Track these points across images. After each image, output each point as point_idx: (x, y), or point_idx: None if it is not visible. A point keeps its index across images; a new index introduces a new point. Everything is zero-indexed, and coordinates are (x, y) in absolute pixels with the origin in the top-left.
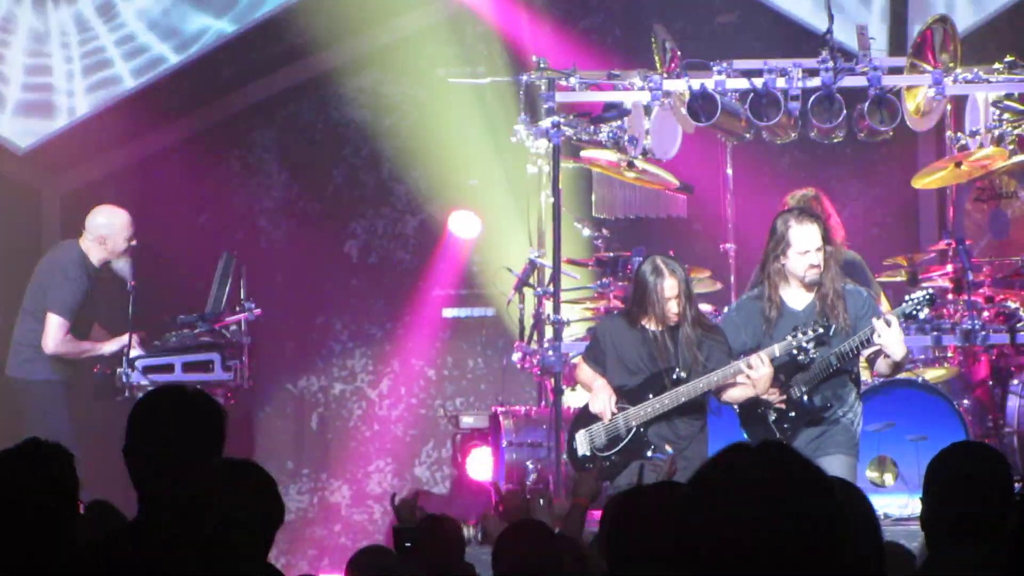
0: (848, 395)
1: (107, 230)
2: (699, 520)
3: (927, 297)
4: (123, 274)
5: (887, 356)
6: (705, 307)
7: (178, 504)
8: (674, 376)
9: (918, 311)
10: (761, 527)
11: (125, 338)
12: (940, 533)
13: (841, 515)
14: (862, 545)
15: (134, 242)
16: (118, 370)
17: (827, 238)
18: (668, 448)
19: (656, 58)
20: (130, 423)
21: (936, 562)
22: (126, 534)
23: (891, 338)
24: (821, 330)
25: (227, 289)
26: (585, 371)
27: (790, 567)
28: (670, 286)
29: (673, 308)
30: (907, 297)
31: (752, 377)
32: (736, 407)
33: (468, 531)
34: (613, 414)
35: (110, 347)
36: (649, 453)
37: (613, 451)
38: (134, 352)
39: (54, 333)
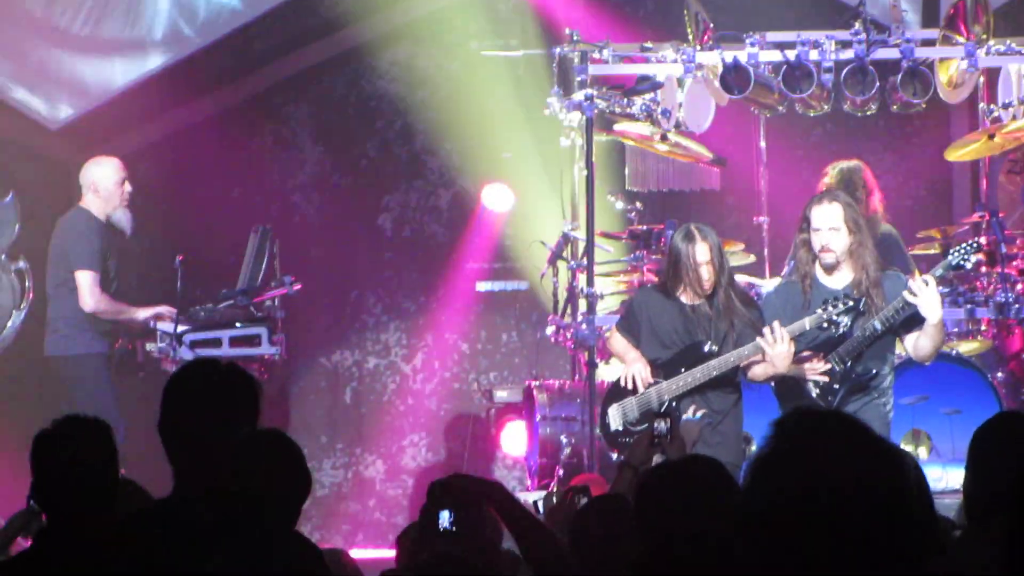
0: (887, 366)
1: (97, 176)
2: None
3: (973, 245)
4: (122, 225)
5: (924, 330)
6: (741, 278)
7: (208, 477)
8: (705, 349)
9: (965, 260)
10: (833, 487)
11: (160, 308)
12: (982, 504)
13: (908, 485)
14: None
15: (128, 187)
16: (161, 346)
17: (855, 224)
18: (696, 414)
19: (689, 30)
20: (164, 399)
21: (977, 534)
22: (161, 509)
23: (926, 296)
24: (851, 302)
25: (263, 264)
26: (619, 341)
27: (857, 529)
28: (702, 251)
29: (705, 274)
30: (952, 249)
31: (770, 353)
32: (772, 383)
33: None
34: (647, 386)
35: (144, 313)
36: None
37: (646, 425)
38: (181, 327)
39: (88, 288)
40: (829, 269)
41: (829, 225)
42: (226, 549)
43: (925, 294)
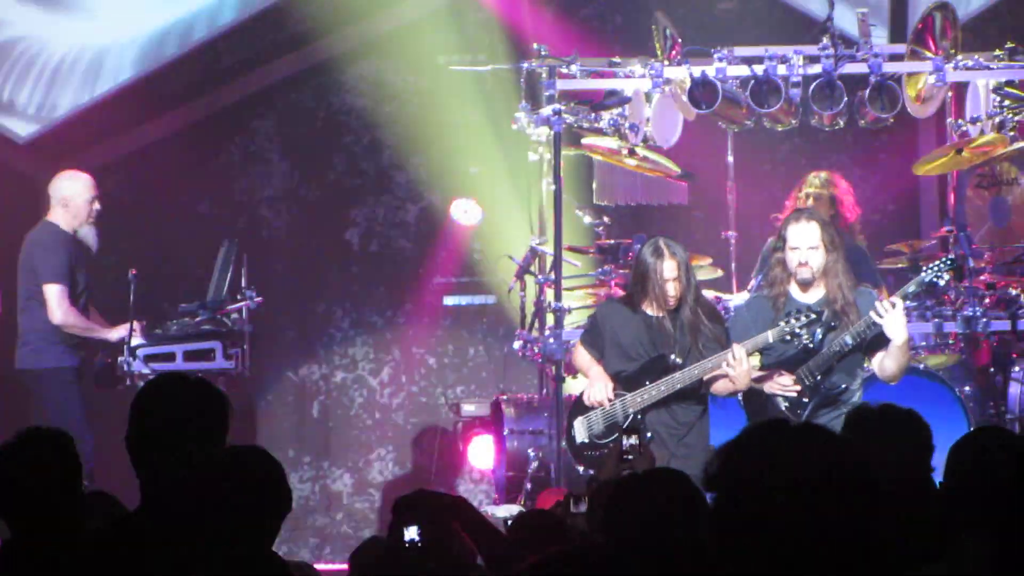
0: (856, 380)
1: (68, 191)
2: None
3: (947, 262)
4: (88, 242)
5: (889, 351)
6: (709, 292)
7: (182, 492)
8: (670, 361)
9: (939, 277)
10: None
11: (126, 326)
12: (958, 523)
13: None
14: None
15: (97, 205)
16: (119, 359)
17: (830, 242)
18: (647, 434)
19: (657, 45)
20: (132, 411)
21: (956, 554)
22: (129, 523)
23: (892, 319)
24: (813, 315)
25: (228, 277)
26: (582, 356)
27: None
28: (669, 267)
29: (671, 290)
30: (926, 266)
31: (731, 374)
32: (740, 397)
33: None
34: (610, 401)
35: (115, 333)
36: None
37: (611, 438)
38: (135, 340)
39: (57, 302)
40: (805, 285)
41: (808, 244)
42: (202, 565)
43: (891, 315)
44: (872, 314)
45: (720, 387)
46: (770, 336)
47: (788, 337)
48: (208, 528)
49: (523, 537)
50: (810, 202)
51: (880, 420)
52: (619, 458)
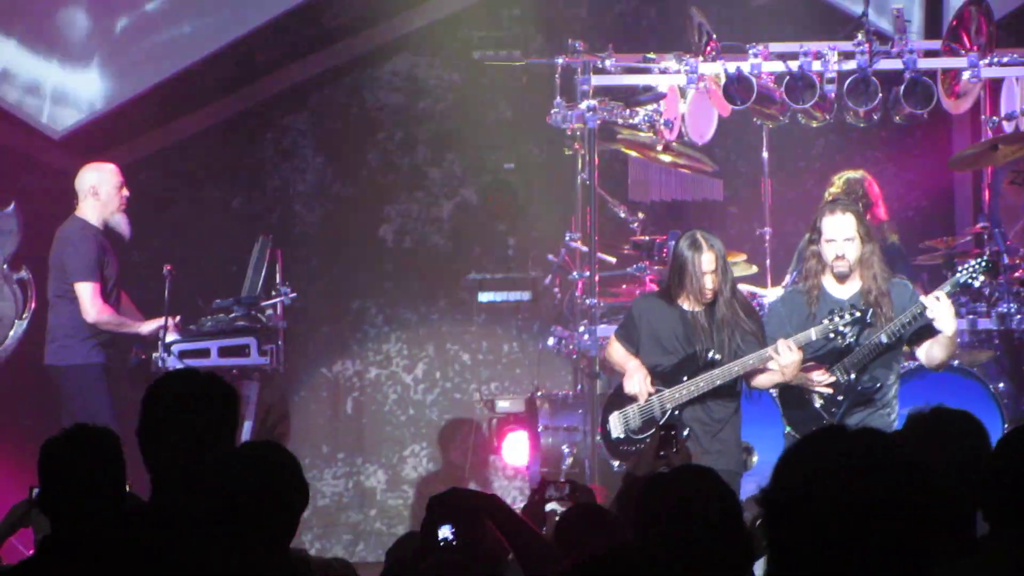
0: (892, 378)
1: (96, 180)
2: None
3: (982, 264)
4: (120, 230)
5: (937, 339)
6: (744, 287)
7: (197, 487)
8: (708, 358)
9: (973, 279)
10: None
11: (163, 320)
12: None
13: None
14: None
15: (126, 192)
16: (154, 355)
17: (866, 233)
18: (684, 430)
19: (692, 41)
20: (142, 406)
21: (993, 552)
22: (139, 517)
23: (941, 311)
24: (859, 313)
25: (262, 274)
26: (617, 350)
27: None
28: (707, 260)
29: (708, 283)
30: (961, 267)
31: (780, 363)
32: (774, 392)
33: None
34: (649, 395)
35: (148, 326)
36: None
37: (648, 434)
38: (170, 337)
39: (90, 300)
40: (842, 278)
41: (844, 236)
42: (220, 561)
43: (939, 308)
44: (924, 300)
45: (764, 380)
46: (813, 334)
47: (832, 335)
48: (224, 526)
49: (569, 536)
50: None
51: (938, 424)
52: (656, 453)
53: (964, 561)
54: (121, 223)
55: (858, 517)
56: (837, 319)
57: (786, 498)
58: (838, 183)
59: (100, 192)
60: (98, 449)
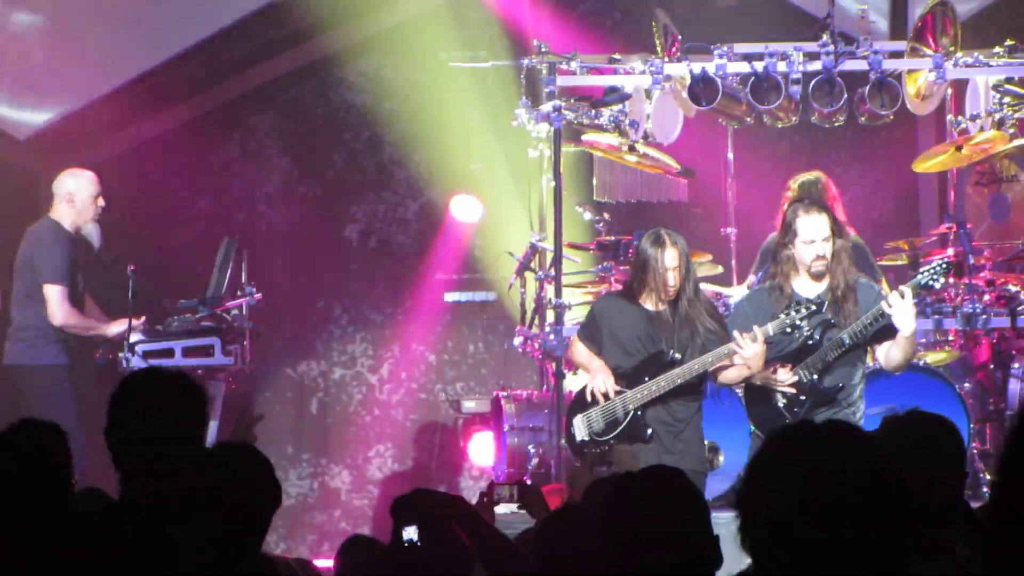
0: (856, 377)
1: (72, 187)
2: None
3: (943, 266)
4: (91, 239)
5: (896, 340)
6: (709, 287)
7: (171, 487)
8: (669, 357)
9: (934, 280)
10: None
11: (125, 321)
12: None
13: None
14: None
15: (102, 202)
16: (119, 355)
17: (838, 230)
18: (648, 431)
19: (657, 42)
20: (110, 405)
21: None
22: (108, 516)
23: (902, 309)
24: (813, 307)
25: (228, 274)
26: (581, 351)
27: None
28: (671, 256)
29: (671, 280)
30: (922, 268)
31: (744, 356)
32: (739, 391)
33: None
34: (606, 397)
35: (114, 328)
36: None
37: (611, 435)
38: (134, 337)
39: (57, 303)
40: (819, 277)
41: (822, 236)
42: (192, 564)
43: (901, 306)
44: (884, 304)
45: (732, 374)
46: (770, 328)
47: (788, 329)
48: (197, 527)
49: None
50: None
51: (913, 427)
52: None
53: (940, 563)
54: (93, 233)
55: (832, 515)
56: (793, 313)
57: (760, 498)
58: (794, 187)
59: (75, 200)
60: (44, 444)
